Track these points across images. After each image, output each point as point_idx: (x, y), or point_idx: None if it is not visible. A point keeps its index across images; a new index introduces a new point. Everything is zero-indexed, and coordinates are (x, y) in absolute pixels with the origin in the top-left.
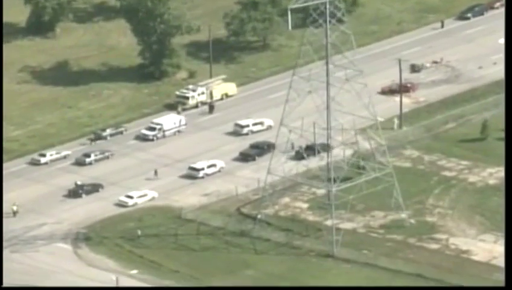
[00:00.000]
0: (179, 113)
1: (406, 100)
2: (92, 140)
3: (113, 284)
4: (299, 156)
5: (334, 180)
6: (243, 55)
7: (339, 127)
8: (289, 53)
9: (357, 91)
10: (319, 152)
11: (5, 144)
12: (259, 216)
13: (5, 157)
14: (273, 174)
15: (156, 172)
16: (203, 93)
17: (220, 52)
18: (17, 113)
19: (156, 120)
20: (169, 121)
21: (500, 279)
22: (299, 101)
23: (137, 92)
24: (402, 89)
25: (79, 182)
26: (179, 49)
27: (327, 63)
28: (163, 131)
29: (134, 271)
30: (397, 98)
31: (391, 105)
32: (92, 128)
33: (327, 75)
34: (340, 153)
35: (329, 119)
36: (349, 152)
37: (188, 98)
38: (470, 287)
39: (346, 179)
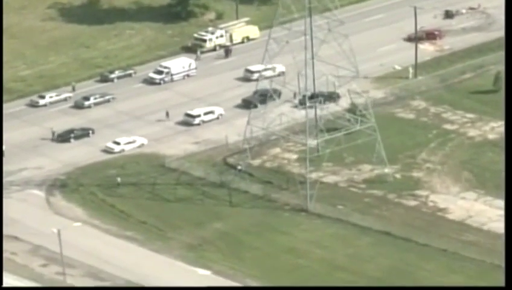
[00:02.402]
0: (198, 56)
1: (430, 48)
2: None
3: (54, 237)
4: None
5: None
6: None
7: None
8: None
9: (339, 42)
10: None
11: (11, 84)
12: (239, 167)
13: (7, 97)
14: (252, 125)
15: (167, 114)
16: (221, 36)
17: None
18: (32, 52)
19: (164, 63)
20: (177, 64)
21: (468, 239)
22: (277, 51)
23: (160, 32)
24: (429, 36)
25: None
26: None
27: (309, 10)
28: (171, 75)
29: (78, 224)
30: (422, 46)
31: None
32: (103, 69)
33: (311, 24)
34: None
35: (306, 68)
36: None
37: (205, 40)
38: (470, 287)
39: (333, 131)
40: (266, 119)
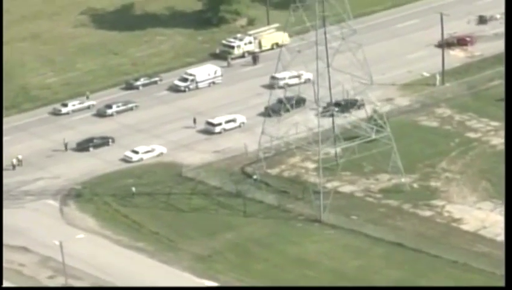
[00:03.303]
0: (229, 63)
1: (460, 54)
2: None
3: (56, 249)
4: (326, 112)
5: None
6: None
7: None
8: (365, 1)
9: (353, 51)
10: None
11: (37, 92)
12: (254, 177)
13: (31, 105)
14: (266, 134)
15: (194, 120)
16: (250, 42)
17: None
18: (61, 59)
19: (189, 70)
20: (203, 72)
21: (480, 250)
22: (289, 60)
23: (191, 39)
24: (460, 42)
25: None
26: None
27: (322, 18)
28: (196, 82)
29: (81, 236)
30: (452, 52)
31: (445, 59)
32: (130, 76)
33: (325, 34)
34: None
35: (318, 77)
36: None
37: (233, 47)
38: (470, 287)
39: (350, 140)
40: (282, 128)
